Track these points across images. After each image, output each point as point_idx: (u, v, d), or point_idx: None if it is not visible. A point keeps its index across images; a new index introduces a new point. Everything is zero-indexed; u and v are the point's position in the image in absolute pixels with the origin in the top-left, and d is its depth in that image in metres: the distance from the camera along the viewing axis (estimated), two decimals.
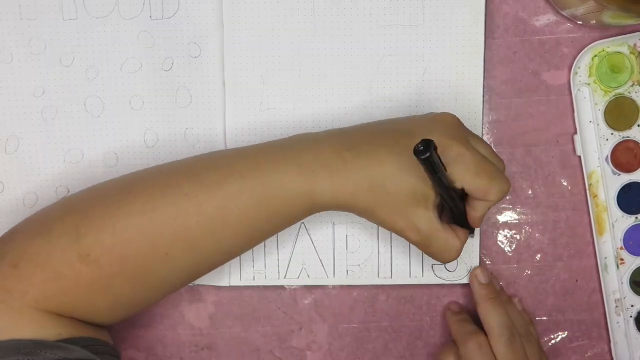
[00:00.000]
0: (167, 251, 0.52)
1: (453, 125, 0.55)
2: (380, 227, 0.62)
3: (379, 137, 0.54)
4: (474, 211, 0.55)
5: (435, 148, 0.46)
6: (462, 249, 0.55)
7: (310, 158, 0.52)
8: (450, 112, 0.56)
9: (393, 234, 0.60)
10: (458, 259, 0.62)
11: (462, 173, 0.52)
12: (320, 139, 0.55)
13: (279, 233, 0.59)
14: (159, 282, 0.54)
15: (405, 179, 0.51)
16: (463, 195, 0.54)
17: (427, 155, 0.45)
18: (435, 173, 0.48)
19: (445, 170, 0.50)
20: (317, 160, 0.52)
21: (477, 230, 0.63)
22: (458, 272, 0.63)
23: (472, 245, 0.63)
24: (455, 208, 0.54)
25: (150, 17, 0.62)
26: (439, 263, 0.63)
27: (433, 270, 0.63)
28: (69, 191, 0.63)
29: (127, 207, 0.52)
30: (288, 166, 0.52)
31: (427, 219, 0.53)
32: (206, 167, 0.54)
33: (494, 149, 0.63)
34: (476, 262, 0.63)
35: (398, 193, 0.52)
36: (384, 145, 0.53)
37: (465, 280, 0.63)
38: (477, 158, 0.53)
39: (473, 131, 0.58)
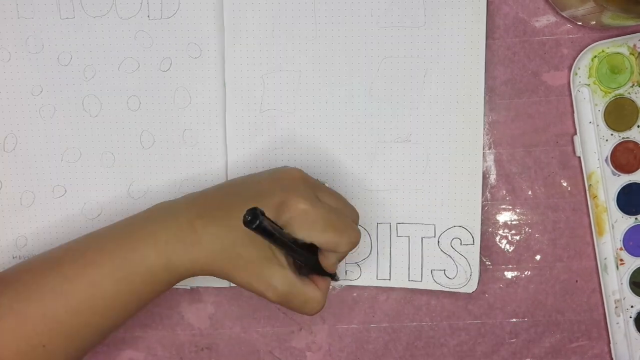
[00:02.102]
0: (44, 344, 0.52)
1: (298, 180, 0.56)
2: (379, 229, 0.63)
3: (231, 200, 0.55)
4: (327, 260, 0.56)
5: (263, 213, 0.47)
6: (324, 298, 0.56)
7: (164, 231, 0.53)
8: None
9: (393, 239, 0.62)
10: (457, 266, 0.62)
11: (309, 230, 0.53)
12: (174, 208, 0.56)
13: None
14: None
15: (255, 242, 0.52)
16: (315, 247, 0.55)
17: (256, 224, 0.46)
18: (271, 237, 0.49)
19: (282, 229, 0.51)
20: (170, 233, 0.53)
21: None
22: (457, 280, 0.63)
23: (473, 252, 0.63)
24: (306, 262, 0.55)
25: (149, 17, 0.61)
26: (439, 269, 0.63)
27: (432, 276, 0.63)
28: (65, 191, 0.62)
29: None
30: (144, 243, 0.53)
31: (283, 276, 0.53)
32: (68, 257, 0.54)
33: (495, 149, 0.63)
34: (476, 266, 0.63)
35: (250, 256, 0.53)
36: (234, 210, 0.53)
37: (464, 289, 0.63)
38: (322, 213, 0.53)
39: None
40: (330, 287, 0.64)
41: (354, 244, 0.55)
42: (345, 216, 0.56)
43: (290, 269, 0.54)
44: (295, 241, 0.53)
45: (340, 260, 0.57)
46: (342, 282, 0.64)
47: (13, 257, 0.62)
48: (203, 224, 0.53)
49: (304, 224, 0.53)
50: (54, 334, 0.52)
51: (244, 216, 0.46)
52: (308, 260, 0.55)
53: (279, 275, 0.53)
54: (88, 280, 0.52)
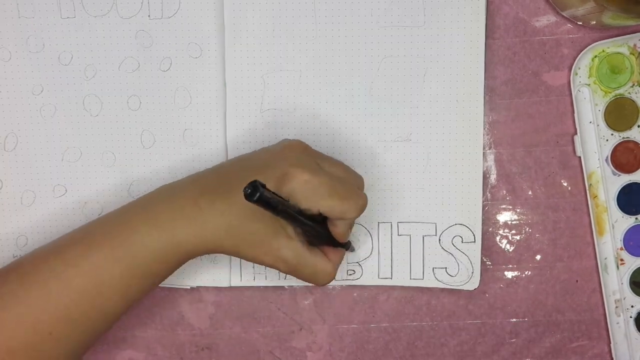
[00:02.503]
0: (50, 331, 0.52)
1: (299, 151, 0.56)
2: (380, 228, 0.63)
3: (234, 177, 0.55)
4: (336, 228, 0.56)
5: (264, 185, 0.46)
6: (335, 270, 0.56)
7: (168, 211, 0.53)
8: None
9: (394, 238, 0.63)
10: (459, 264, 0.62)
11: (314, 199, 0.53)
12: (176, 189, 0.56)
13: None
14: (54, 358, 0.53)
15: (260, 216, 0.52)
16: (323, 217, 0.55)
17: (256, 196, 0.46)
18: (274, 209, 0.49)
19: (287, 201, 0.51)
20: (174, 212, 0.53)
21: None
22: (459, 277, 0.63)
23: (474, 250, 0.63)
24: (316, 233, 0.55)
25: (149, 16, 0.61)
26: (441, 267, 0.63)
27: (434, 274, 0.63)
28: (66, 190, 0.62)
29: (2, 300, 0.52)
30: (147, 225, 0.53)
31: (291, 248, 0.53)
32: (70, 242, 0.54)
33: (495, 149, 0.63)
34: (477, 263, 0.63)
35: (257, 231, 0.53)
36: (237, 186, 0.52)
37: (466, 287, 0.63)
38: (326, 180, 0.53)
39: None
40: (334, 282, 0.64)
41: (361, 208, 0.54)
42: (349, 183, 0.56)
43: (299, 240, 0.54)
44: (300, 212, 0.52)
45: (350, 228, 0.57)
46: (343, 282, 0.64)
47: (14, 256, 0.62)
48: (207, 202, 0.53)
49: (308, 194, 0.52)
50: (60, 321, 0.52)
51: (244, 189, 0.46)
52: (317, 231, 0.55)
53: (287, 247, 0.53)
54: (90, 263, 0.52)
